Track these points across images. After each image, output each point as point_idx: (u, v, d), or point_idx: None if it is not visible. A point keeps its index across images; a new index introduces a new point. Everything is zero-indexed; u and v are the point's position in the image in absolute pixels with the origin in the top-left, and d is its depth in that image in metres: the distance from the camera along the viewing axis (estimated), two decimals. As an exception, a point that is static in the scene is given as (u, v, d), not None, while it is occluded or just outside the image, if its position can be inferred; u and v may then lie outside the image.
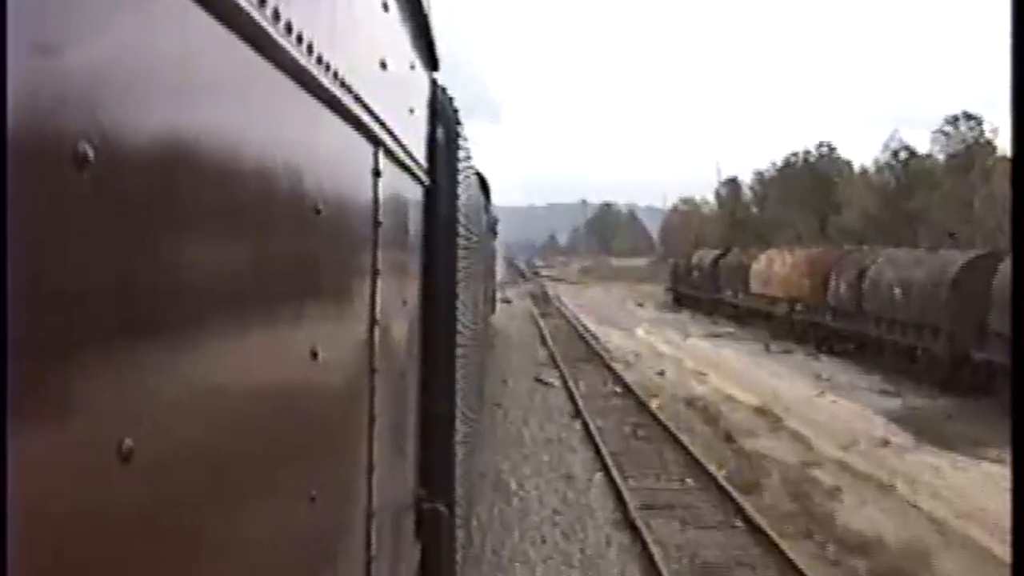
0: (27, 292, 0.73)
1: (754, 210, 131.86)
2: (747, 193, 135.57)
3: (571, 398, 24.66)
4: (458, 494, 4.71)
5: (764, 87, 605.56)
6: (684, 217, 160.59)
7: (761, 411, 24.05)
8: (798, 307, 37.69)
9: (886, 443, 19.79)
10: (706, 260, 53.35)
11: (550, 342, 36.59)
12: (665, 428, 21.00)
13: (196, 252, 1.12)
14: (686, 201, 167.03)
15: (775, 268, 41.06)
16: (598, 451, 18.45)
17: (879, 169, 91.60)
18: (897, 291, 28.60)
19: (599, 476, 16.72)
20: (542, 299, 62.93)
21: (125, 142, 0.89)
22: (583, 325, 44.77)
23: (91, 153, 0.80)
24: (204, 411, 1.13)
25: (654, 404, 24.16)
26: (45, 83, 0.76)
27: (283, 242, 1.51)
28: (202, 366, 1.13)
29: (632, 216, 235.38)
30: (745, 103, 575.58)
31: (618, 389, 26.70)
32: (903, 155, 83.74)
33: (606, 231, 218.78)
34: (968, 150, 76.77)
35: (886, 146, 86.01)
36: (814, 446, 20.02)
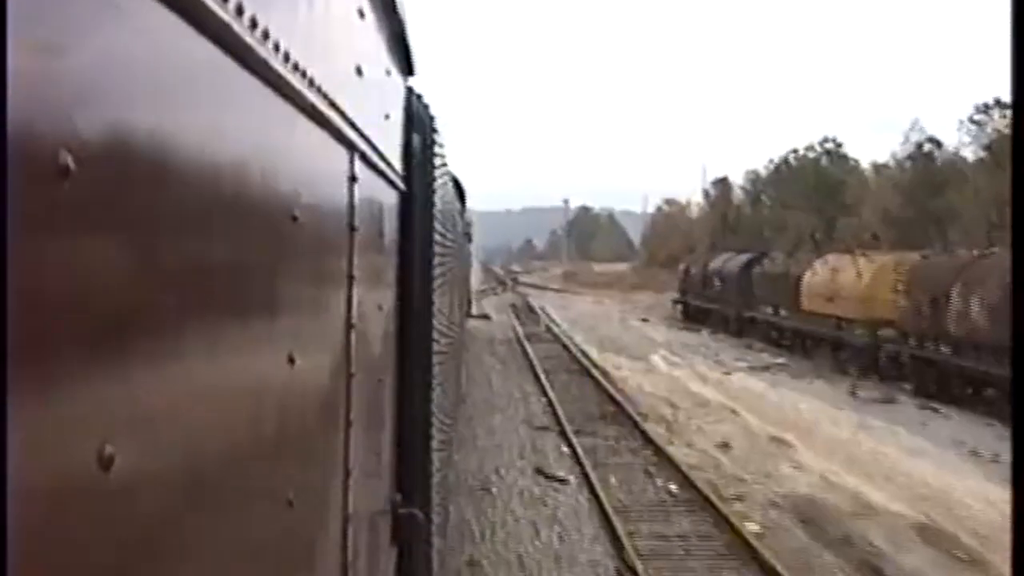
0: (16, 297, 0.76)
1: (747, 211, 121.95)
2: (738, 193, 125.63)
3: (603, 517, 13.67)
4: (434, 500, 4.55)
5: (750, 87, 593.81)
6: (669, 220, 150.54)
7: (940, 540, 13.20)
8: (887, 333, 26.88)
9: None
10: (731, 267, 42.38)
11: (547, 385, 25.64)
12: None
13: (174, 260, 1.10)
14: (670, 202, 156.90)
15: (843, 279, 30.22)
16: None
17: (888, 163, 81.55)
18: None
19: None
20: (526, 313, 51.94)
21: (104, 151, 0.90)
22: (583, 351, 33.86)
23: (71, 161, 0.80)
24: (183, 417, 1.12)
25: (749, 528, 13.29)
26: (41, 85, 0.79)
27: (261, 250, 1.49)
28: (182, 372, 1.12)
29: (611, 220, 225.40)
30: (730, 104, 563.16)
31: (673, 487, 15.74)
32: (927, 147, 73.10)
33: (585, 236, 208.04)
34: (1003, 141, 66.15)
35: (906, 137, 75.37)
36: None
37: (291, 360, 1.67)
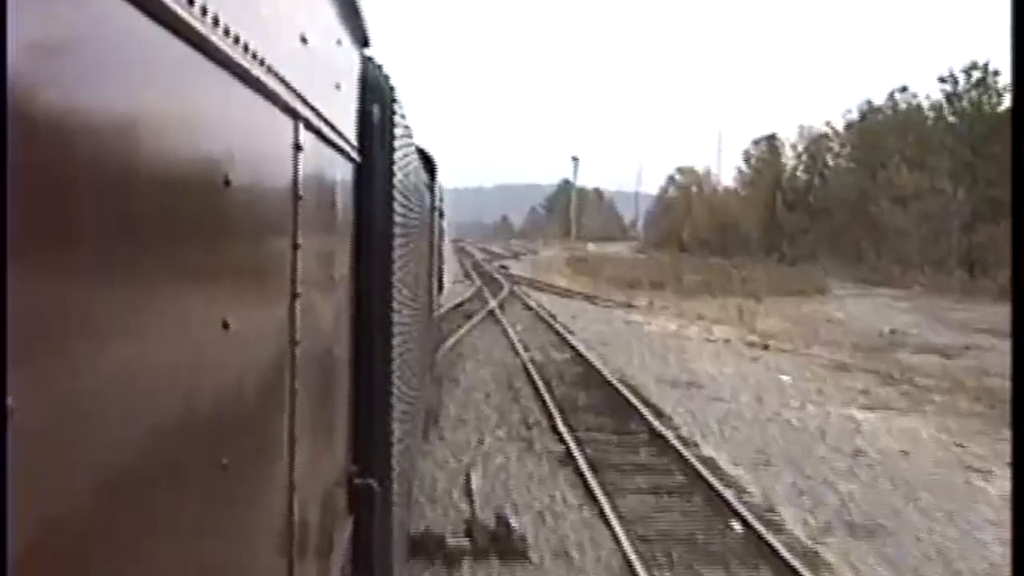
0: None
1: (801, 177, 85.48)
2: (789, 157, 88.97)
3: None
4: (395, 471, 4.33)
5: (754, 47, 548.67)
6: (686, 193, 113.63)
7: None
8: None
9: None
10: None
11: None
12: None
13: (97, 222, 1.06)
14: (685, 171, 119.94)
15: None
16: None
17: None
18: None
19: None
20: (606, 410, 14.85)
21: (42, 121, 0.88)
22: None
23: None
24: (106, 378, 1.08)
25: None
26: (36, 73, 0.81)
27: (189, 212, 1.43)
28: (102, 328, 1.08)
29: (599, 196, 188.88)
30: (737, 65, 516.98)
31: None
32: None
33: (569, 212, 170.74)
34: None
35: None
36: None
37: (225, 325, 1.58)
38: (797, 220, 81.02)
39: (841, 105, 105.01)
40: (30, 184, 0.85)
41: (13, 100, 0.73)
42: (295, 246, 2.25)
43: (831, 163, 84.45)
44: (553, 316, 31.23)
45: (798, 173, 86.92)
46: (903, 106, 68.96)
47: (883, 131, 69.32)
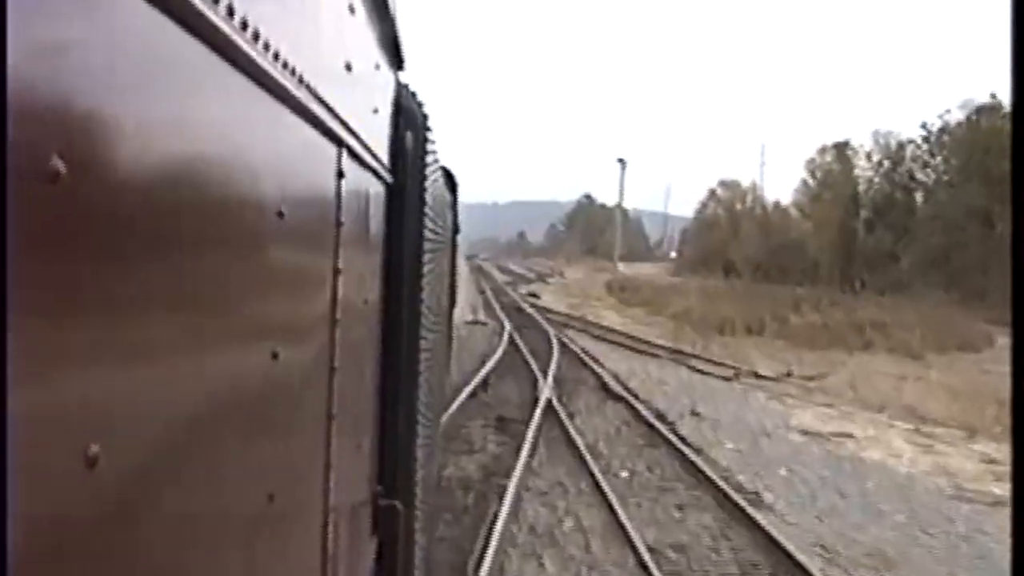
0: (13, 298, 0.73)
1: (882, 190, 70.04)
2: (864, 167, 73.27)
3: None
4: (419, 496, 4.16)
5: (790, 62, 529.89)
6: (730, 210, 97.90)
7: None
8: None
9: None
10: None
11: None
12: None
13: (161, 258, 1.03)
14: (729, 185, 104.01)
15: None
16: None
17: None
18: None
19: None
20: None
21: (91, 150, 0.85)
22: None
23: (64, 162, 0.76)
24: (169, 415, 1.06)
25: None
26: (40, 85, 0.75)
27: (246, 246, 1.40)
28: (168, 370, 1.06)
29: (624, 214, 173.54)
30: (780, 77, 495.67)
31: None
32: None
33: (593, 230, 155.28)
34: None
35: None
36: None
37: (275, 355, 1.55)
38: (878, 242, 65.36)
39: (892, 113, 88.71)
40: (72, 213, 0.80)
41: (13, 100, 0.68)
42: (336, 273, 2.19)
43: (918, 175, 68.49)
44: (659, 414, 15.74)
45: (874, 185, 71.20)
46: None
47: (1005, 133, 53.26)
